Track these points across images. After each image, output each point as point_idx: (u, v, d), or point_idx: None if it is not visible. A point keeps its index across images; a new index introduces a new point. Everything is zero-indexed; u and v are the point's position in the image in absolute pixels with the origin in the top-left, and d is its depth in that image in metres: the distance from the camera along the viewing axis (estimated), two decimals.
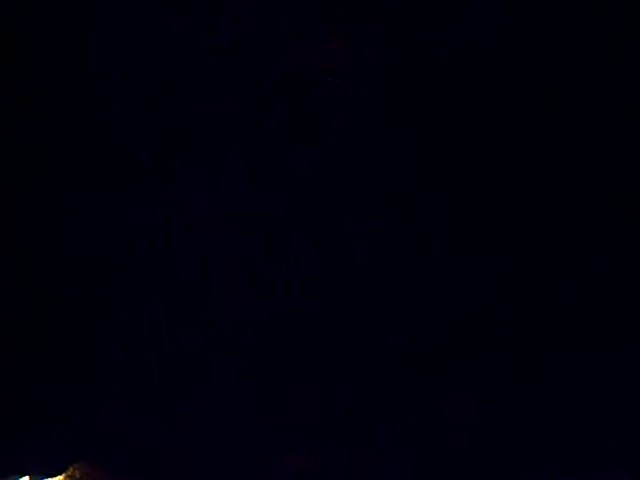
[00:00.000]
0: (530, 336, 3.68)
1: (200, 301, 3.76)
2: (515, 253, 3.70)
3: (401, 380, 3.72)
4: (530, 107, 3.68)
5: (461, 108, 3.69)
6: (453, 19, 3.62)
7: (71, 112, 3.65)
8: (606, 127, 3.65)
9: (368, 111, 3.70)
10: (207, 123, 3.71)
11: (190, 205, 3.76)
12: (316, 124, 3.70)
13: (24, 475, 3.56)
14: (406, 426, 3.70)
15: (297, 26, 3.66)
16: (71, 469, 3.60)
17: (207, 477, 3.71)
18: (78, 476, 3.59)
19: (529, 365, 3.67)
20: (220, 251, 3.76)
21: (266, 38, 3.67)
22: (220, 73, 3.68)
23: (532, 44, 3.63)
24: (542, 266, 3.70)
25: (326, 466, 3.71)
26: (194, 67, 3.68)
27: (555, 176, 3.68)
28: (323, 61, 3.69)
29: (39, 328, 3.68)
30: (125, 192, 3.71)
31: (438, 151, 3.72)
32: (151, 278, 3.73)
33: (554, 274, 3.69)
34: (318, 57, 3.68)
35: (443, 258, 3.73)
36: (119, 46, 3.63)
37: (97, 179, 3.69)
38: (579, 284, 3.66)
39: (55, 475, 3.60)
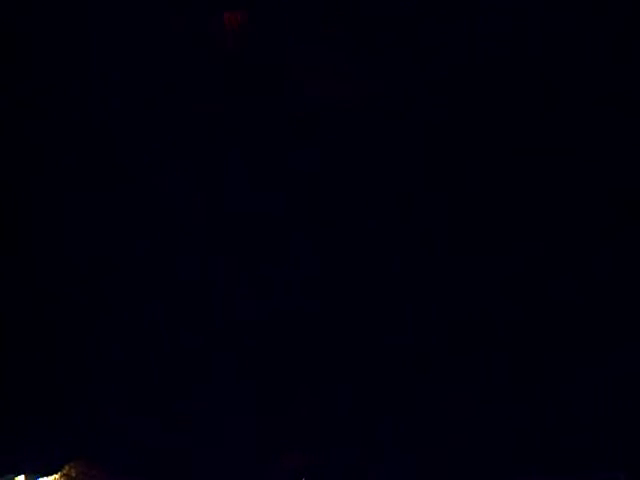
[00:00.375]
0: (530, 336, 3.67)
1: (200, 301, 3.76)
2: (515, 253, 3.70)
3: (401, 380, 3.71)
4: (532, 108, 3.68)
5: (461, 109, 3.69)
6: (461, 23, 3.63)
7: (71, 112, 3.66)
8: (605, 128, 3.65)
9: (368, 111, 3.70)
10: (207, 123, 3.72)
11: (190, 205, 3.76)
12: (316, 125, 3.71)
13: (19, 474, 3.55)
14: (406, 426, 3.69)
15: (297, 26, 3.66)
16: (67, 468, 3.59)
17: (207, 477, 3.70)
18: (74, 475, 3.58)
19: (529, 365, 3.66)
20: (220, 251, 3.76)
21: (266, 38, 3.68)
22: (220, 73, 3.69)
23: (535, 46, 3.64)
24: (542, 266, 3.69)
25: (326, 466, 3.70)
26: (194, 67, 3.68)
27: (554, 176, 3.68)
28: (323, 61, 3.69)
29: (39, 328, 3.68)
30: (125, 192, 3.71)
31: (438, 151, 3.72)
32: (151, 278, 3.73)
33: (554, 274, 3.69)
34: (318, 57, 3.68)
35: (443, 258, 3.73)
36: (119, 46, 3.64)
37: (97, 179, 3.70)
38: (579, 284, 3.65)
39: (50, 474, 3.59)
